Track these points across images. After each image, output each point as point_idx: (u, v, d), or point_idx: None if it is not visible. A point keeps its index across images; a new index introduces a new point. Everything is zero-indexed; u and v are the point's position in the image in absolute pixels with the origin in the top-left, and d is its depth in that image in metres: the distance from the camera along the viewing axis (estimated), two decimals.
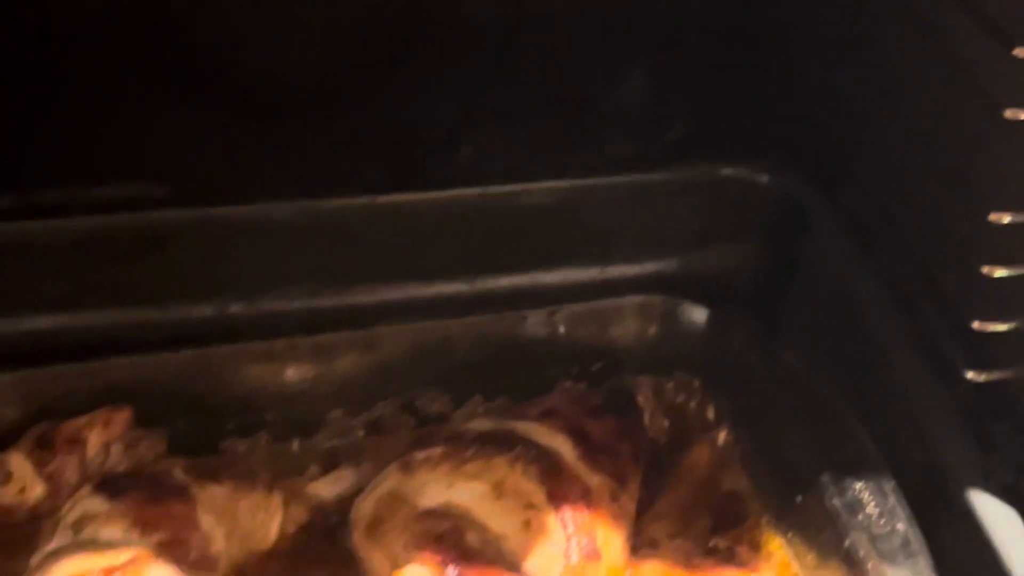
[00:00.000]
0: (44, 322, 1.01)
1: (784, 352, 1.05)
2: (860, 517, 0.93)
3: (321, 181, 1.07)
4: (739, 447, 1.04)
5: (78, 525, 0.88)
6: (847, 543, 0.92)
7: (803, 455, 0.98)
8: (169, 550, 0.86)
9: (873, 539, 0.92)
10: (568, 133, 1.12)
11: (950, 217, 0.95)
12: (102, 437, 0.95)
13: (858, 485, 0.94)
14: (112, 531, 0.86)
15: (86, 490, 0.90)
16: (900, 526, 0.91)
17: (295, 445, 1.02)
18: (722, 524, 0.97)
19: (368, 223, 1.08)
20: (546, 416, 0.98)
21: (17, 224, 1.00)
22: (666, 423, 1.06)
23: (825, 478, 0.95)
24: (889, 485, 0.93)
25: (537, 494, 0.92)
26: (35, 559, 0.87)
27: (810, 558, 0.95)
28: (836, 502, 0.94)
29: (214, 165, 1.05)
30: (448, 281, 1.11)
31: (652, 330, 1.10)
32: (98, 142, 1.01)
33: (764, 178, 1.13)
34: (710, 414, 1.07)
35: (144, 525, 0.87)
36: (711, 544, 0.96)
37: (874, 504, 0.93)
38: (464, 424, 1.01)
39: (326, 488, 0.98)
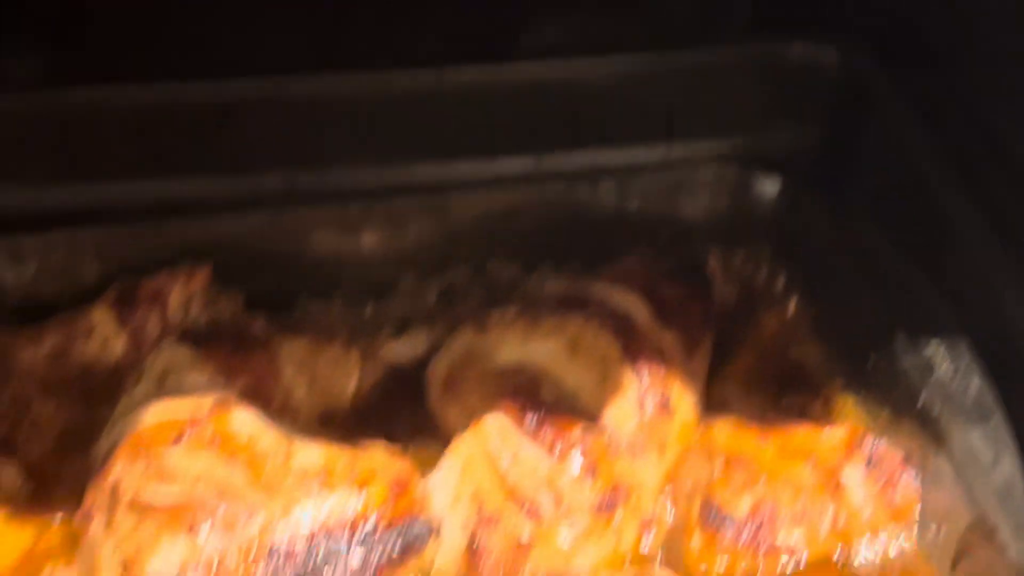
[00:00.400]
0: (121, 186, 1.01)
1: (854, 223, 1.05)
2: (934, 377, 0.93)
3: (389, 54, 1.06)
4: (809, 315, 1.04)
5: (163, 374, 0.89)
6: (921, 402, 0.93)
7: (874, 319, 0.99)
8: (252, 397, 0.88)
9: (947, 398, 0.92)
10: (635, 8, 1.11)
11: None
12: (183, 293, 0.96)
13: (931, 346, 0.94)
14: (197, 378, 0.88)
15: (170, 341, 0.92)
16: (974, 385, 0.91)
17: (369, 308, 1.03)
18: (793, 387, 0.98)
19: (434, 96, 1.08)
20: (618, 279, 0.99)
21: (94, 89, 1.00)
22: (735, 292, 1.06)
23: (898, 340, 0.96)
24: (963, 345, 0.93)
25: (611, 351, 0.92)
26: (120, 408, 0.89)
27: (883, 417, 0.96)
28: (909, 363, 0.95)
29: (284, 37, 1.05)
30: (515, 156, 1.10)
31: (722, 202, 1.10)
32: (172, 12, 1.01)
33: (832, 54, 1.12)
34: (779, 283, 1.07)
35: (228, 372, 0.89)
36: (783, 403, 0.96)
37: (948, 364, 0.93)
38: (537, 287, 1.02)
39: (401, 349, 0.99)
